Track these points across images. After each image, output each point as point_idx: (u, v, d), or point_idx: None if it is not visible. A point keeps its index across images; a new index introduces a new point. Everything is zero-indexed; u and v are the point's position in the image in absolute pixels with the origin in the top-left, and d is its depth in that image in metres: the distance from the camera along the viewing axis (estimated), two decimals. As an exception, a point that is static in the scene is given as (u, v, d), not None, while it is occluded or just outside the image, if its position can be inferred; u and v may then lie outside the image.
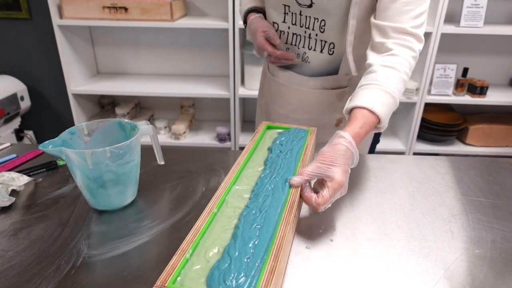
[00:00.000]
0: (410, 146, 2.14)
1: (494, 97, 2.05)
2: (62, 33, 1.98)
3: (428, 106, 2.15)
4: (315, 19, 0.89)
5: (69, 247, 0.62)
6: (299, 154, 0.75)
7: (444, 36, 1.91)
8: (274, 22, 0.97)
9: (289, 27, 0.95)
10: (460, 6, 1.88)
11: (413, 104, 2.03)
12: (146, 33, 2.24)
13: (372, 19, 0.82)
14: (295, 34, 0.94)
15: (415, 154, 2.16)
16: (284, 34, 0.96)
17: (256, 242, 0.52)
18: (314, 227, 0.68)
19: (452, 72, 2.02)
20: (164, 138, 2.23)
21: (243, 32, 2.04)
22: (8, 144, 0.98)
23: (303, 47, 0.94)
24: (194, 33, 2.23)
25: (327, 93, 0.98)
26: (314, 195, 0.63)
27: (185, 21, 1.97)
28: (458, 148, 2.19)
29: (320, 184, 0.65)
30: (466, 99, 2.05)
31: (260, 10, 1.04)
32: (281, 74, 1.03)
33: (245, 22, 1.07)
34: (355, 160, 0.69)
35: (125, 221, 0.70)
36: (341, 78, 0.96)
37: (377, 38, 0.81)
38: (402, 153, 2.16)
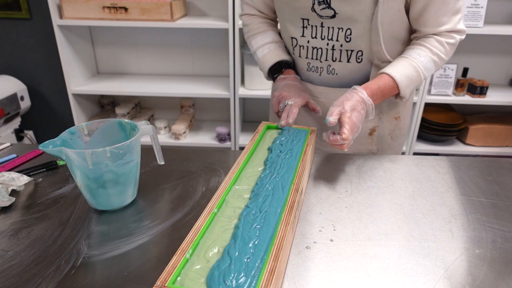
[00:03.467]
0: (410, 146, 2.14)
1: (494, 97, 2.05)
2: (62, 33, 1.98)
3: (428, 106, 2.15)
4: (339, 29, 0.85)
5: (69, 247, 0.62)
6: (299, 154, 0.75)
7: (444, 36, 1.91)
8: (292, 37, 0.94)
9: (308, 41, 0.91)
10: (460, 6, 1.88)
11: (413, 104, 2.03)
12: (146, 33, 2.24)
13: (415, 31, 0.87)
14: (315, 47, 0.91)
15: (415, 154, 2.16)
16: (303, 48, 0.93)
17: (256, 242, 0.52)
18: (314, 227, 0.68)
19: (452, 72, 2.02)
20: (164, 138, 2.23)
21: (243, 32, 2.03)
22: (8, 144, 0.98)
23: (326, 60, 0.91)
24: (194, 33, 2.23)
25: None
26: (338, 136, 0.74)
27: (185, 21, 1.97)
28: (458, 148, 2.19)
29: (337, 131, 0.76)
30: (466, 99, 2.05)
31: (289, 63, 0.98)
32: (313, 88, 0.99)
33: (272, 76, 1.01)
34: (370, 110, 0.80)
35: (125, 221, 0.70)
36: None
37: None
38: (402, 153, 2.15)
